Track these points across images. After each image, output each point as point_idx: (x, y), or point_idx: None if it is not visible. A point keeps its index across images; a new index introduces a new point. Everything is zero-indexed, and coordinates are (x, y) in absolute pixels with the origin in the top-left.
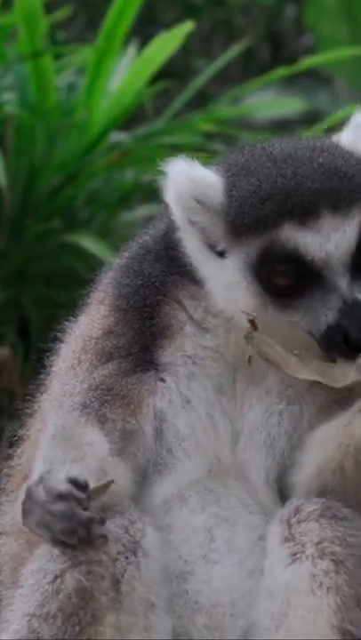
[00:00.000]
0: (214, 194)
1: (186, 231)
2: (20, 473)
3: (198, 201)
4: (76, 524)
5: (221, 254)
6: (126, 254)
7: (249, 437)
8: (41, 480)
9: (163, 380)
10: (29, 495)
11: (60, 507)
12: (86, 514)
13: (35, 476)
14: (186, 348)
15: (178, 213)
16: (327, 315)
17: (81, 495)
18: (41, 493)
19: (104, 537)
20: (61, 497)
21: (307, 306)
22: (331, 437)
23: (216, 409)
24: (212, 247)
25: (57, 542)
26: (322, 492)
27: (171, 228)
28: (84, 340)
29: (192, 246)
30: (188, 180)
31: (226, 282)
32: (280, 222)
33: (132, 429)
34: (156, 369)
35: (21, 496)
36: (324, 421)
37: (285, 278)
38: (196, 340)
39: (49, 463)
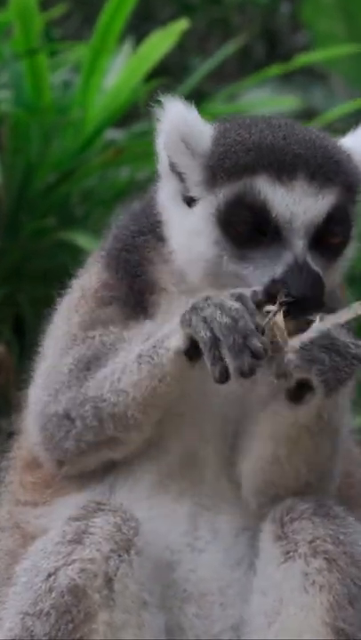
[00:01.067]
0: (202, 139)
1: (165, 178)
2: (19, 462)
3: (186, 143)
4: (243, 331)
5: (190, 203)
6: (115, 223)
7: (211, 423)
8: (204, 299)
9: None
10: (200, 309)
11: (237, 304)
12: (251, 324)
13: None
14: (174, 307)
15: (163, 154)
16: (275, 270)
17: (251, 303)
18: (216, 300)
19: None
20: (239, 298)
21: (260, 260)
22: (263, 428)
23: (210, 389)
24: (184, 196)
25: (213, 341)
26: (268, 487)
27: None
28: (83, 290)
29: (166, 195)
30: (181, 121)
31: (189, 230)
32: (258, 172)
33: None
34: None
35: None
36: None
37: (247, 228)
38: (182, 299)
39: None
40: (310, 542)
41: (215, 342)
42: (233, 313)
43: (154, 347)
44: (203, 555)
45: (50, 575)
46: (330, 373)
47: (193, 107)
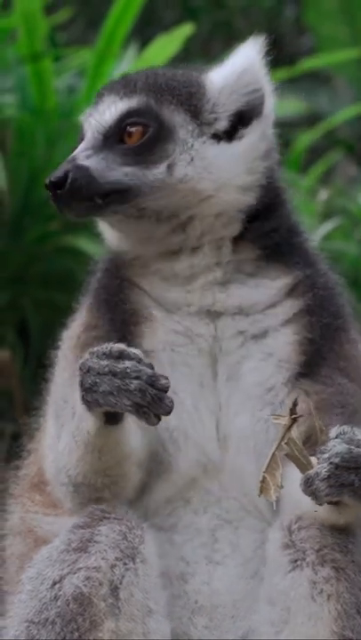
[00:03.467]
0: None
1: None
2: (28, 481)
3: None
4: (145, 381)
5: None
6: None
7: (239, 443)
8: (91, 354)
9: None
10: (88, 369)
11: (126, 364)
12: (150, 370)
13: (63, 420)
14: (160, 334)
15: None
16: None
17: (138, 352)
18: (101, 361)
19: (170, 398)
20: (124, 356)
21: None
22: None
23: (201, 402)
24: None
25: (135, 407)
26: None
27: None
28: (70, 339)
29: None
30: None
31: None
32: None
33: None
34: None
35: (74, 389)
36: (306, 425)
37: None
38: (166, 324)
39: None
40: (318, 551)
41: (134, 407)
42: (131, 374)
43: (77, 427)
44: (219, 568)
45: (55, 583)
46: None
47: None
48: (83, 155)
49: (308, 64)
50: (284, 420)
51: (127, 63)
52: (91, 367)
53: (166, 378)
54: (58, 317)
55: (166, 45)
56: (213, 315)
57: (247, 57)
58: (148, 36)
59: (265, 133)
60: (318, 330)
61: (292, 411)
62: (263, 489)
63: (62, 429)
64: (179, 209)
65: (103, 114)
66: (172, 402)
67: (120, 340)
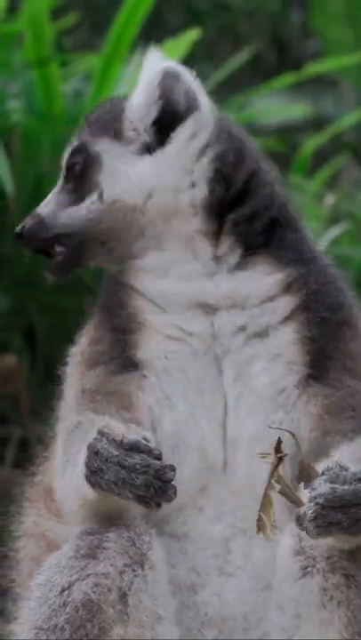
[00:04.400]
0: None
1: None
2: (43, 487)
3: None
4: (152, 476)
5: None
6: None
7: (250, 447)
8: (102, 434)
9: (145, 377)
10: (96, 452)
11: (136, 460)
12: (159, 462)
13: (72, 447)
14: (153, 342)
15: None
16: None
17: (151, 445)
18: (111, 449)
19: (174, 487)
20: (135, 449)
21: None
22: None
23: (198, 407)
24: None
25: (138, 498)
26: None
27: None
28: (77, 355)
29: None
30: None
31: None
32: None
33: (131, 423)
34: (138, 367)
35: (81, 458)
36: (320, 431)
37: None
38: (160, 329)
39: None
40: (328, 558)
41: (137, 498)
42: (139, 470)
43: (77, 487)
44: (230, 579)
45: (64, 590)
46: (354, 527)
47: None
48: (44, 202)
49: (314, 69)
50: (272, 459)
51: (134, 68)
52: (99, 452)
53: (173, 469)
54: (64, 321)
55: (173, 50)
56: (208, 310)
57: (150, 69)
58: (152, 39)
59: (197, 130)
60: (317, 327)
61: (277, 449)
62: (260, 527)
63: (67, 465)
64: (127, 226)
65: (64, 157)
66: (175, 492)
67: (122, 352)
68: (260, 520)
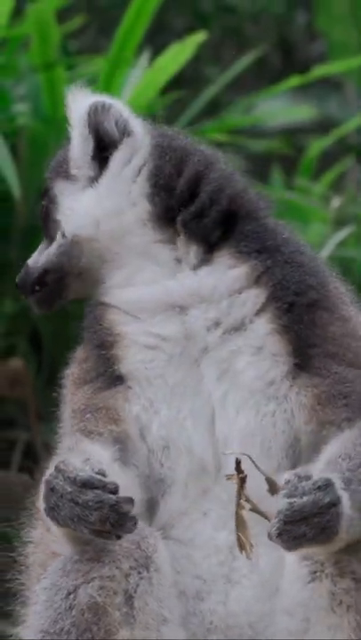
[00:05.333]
0: None
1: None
2: None
3: None
4: (107, 511)
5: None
6: None
7: (243, 442)
8: (58, 471)
9: (130, 388)
10: (52, 489)
11: (89, 496)
12: (114, 497)
13: (50, 469)
14: (132, 354)
15: None
16: None
17: (106, 480)
18: (65, 486)
19: (133, 518)
20: (88, 485)
21: None
22: None
23: (183, 411)
24: None
25: (94, 533)
26: None
27: None
28: (68, 376)
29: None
30: None
31: None
32: None
33: (120, 436)
34: (123, 379)
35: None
36: (315, 423)
37: None
38: (136, 339)
39: None
40: (336, 562)
41: (93, 533)
42: (92, 507)
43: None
44: (236, 587)
45: (70, 593)
46: (320, 536)
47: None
48: (36, 253)
49: (320, 71)
50: (235, 479)
51: (140, 71)
52: (55, 488)
53: (131, 501)
54: (69, 326)
55: (179, 53)
56: (178, 309)
57: (75, 109)
58: (158, 42)
59: (132, 154)
60: (286, 313)
61: (238, 470)
62: (241, 546)
63: None
64: (90, 256)
65: None
66: (135, 524)
67: (107, 368)
68: (239, 540)
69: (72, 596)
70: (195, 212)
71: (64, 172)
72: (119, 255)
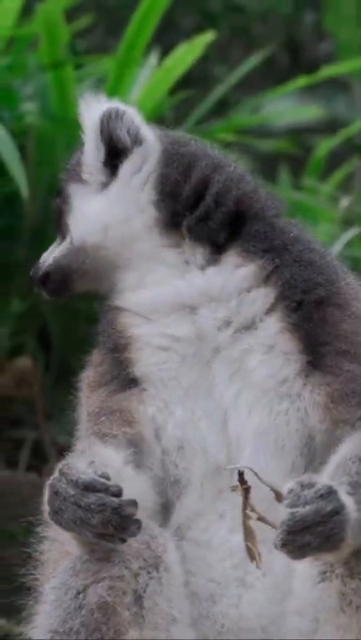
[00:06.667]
0: None
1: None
2: None
3: None
4: (110, 514)
5: None
6: None
7: (256, 441)
8: (62, 474)
9: (145, 390)
10: (56, 492)
11: (91, 499)
12: (116, 500)
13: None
14: (146, 357)
15: None
16: None
17: (108, 482)
18: (68, 489)
19: (137, 521)
20: (90, 488)
21: None
22: None
23: (197, 412)
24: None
25: (97, 536)
26: None
27: None
28: (83, 379)
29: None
30: None
31: None
32: None
33: (134, 438)
34: (138, 382)
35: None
36: (330, 422)
37: None
38: (150, 342)
39: None
40: (346, 563)
41: (96, 536)
42: (94, 509)
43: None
44: (249, 591)
45: (79, 593)
46: (325, 545)
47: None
48: (50, 249)
49: (327, 71)
50: (240, 491)
51: (148, 71)
52: (58, 492)
53: (134, 504)
54: (78, 324)
55: (187, 53)
56: (188, 310)
57: (88, 115)
58: (166, 41)
59: (142, 162)
60: (296, 312)
61: (241, 481)
62: (251, 556)
63: None
64: (97, 262)
65: None
66: (138, 527)
67: (121, 370)
68: (249, 549)
69: (81, 595)
70: (199, 215)
71: (77, 176)
72: (130, 260)
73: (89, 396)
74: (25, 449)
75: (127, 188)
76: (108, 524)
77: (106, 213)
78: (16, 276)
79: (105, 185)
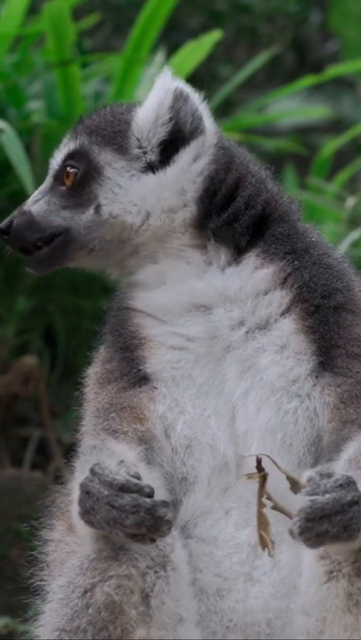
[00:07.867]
0: None
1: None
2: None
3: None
4: (144, 514)
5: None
6: None
7: (264, 438)
8: (94, 474)
9: (156, 388)
10: (88, 492)
11: (126, 500)
12: (150, 500)
13: (84, 473)
14: (159, 355)
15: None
16: None
17: (142, 483)
18: (101, 489)
19: (169, 522)
20: (125, 489)
21: None
22: None
23: (208, 410)
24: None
25: (129, 536)
26: None
27: None
28: (90, 376)
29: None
30: None
31: None
32: None
33: (145, 435)
34: (148, 380)
35: (75, 495)
36: (338, 422)
37: None
38: (164, 341)
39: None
40: (354, 562)
41: (129, 537)
42: (129, 510)
43: (76, 526)
44: (256, 586)
45: (86, 591)
46: (343, 534)
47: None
48: (32, 199)
49: (333, 71)
50: (256, 478)
51: (155, 69)
52: (90, 492)
53: (166, 505)
54: (83, 322)
55: (194, 51)
56: (203, 309)
57: (162, 89)
58: (172, 40)
59: (199, 154)
60: (312, 315)
61: (259, 469)
62: (263, 544)
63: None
64: (120, 241)
65: (56, 156)
66: (169, 528)
67: (132, 367)
68: (261, 538)
69: (89, 594)
70: (227, 217)
71: (118, 145)
72: (155, 253)
73: (97, 392)
74: (30, 447)
75: (182, 177)
76: (141, 524)
77: (153, 198)
78: (22, 274)
79: (152, 166)
